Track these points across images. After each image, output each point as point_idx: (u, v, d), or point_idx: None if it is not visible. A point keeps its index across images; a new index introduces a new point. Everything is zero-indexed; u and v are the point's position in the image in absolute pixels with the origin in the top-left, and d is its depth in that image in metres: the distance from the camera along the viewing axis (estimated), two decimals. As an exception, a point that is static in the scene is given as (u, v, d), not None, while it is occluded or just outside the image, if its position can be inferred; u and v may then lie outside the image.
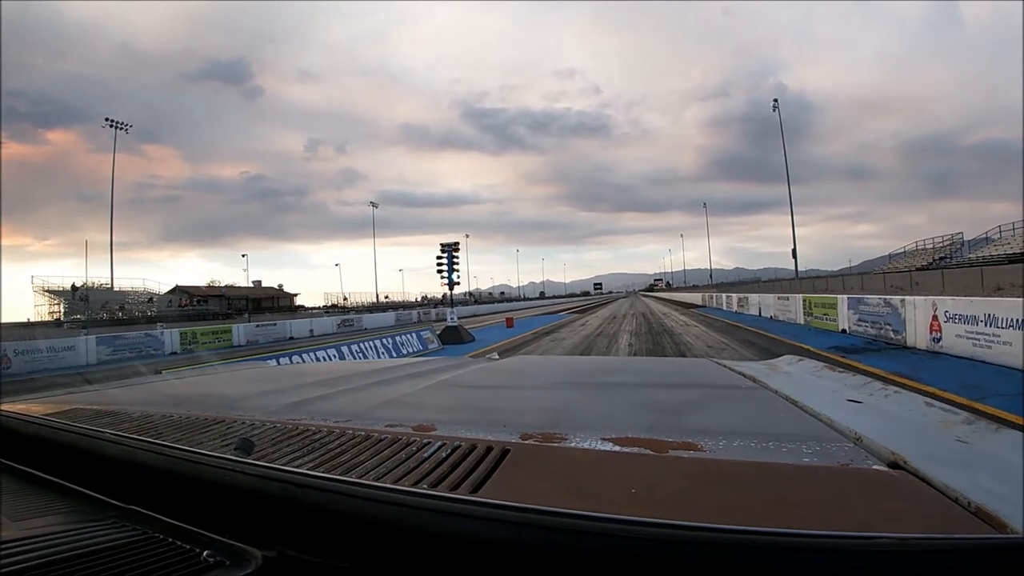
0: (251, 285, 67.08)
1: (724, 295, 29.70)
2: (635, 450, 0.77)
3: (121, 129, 49.37)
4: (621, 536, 0.44)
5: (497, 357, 2.70)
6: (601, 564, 0.42)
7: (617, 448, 0.78)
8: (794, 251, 40.67)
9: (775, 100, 46.36)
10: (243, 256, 77.74)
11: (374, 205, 75.46)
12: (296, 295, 70.85)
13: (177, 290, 55.39)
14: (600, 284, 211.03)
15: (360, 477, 0.67)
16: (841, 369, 1.43)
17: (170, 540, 0.56)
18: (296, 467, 0.70)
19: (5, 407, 1.03)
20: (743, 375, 1.45)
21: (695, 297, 44.36)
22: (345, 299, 70.80)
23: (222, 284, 62.80)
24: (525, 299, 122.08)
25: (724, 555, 0.42)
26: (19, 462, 0.83)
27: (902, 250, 41.70)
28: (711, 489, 0.63)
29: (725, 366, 1.67)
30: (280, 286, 72.68)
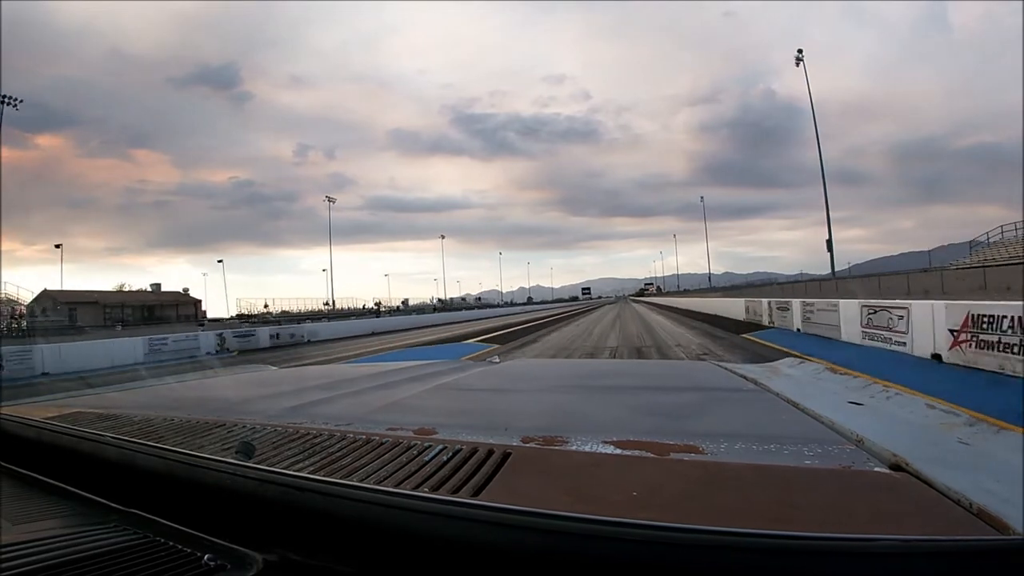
0: (149, 290, 54.82)
1: (843, 303, 11.25)
2: (636, 453, 0.77)
3: (10, 105, 40.65)
4: (623, 539, 0.44)
5: (498, 360, 2.70)
6: (603, 567, 0.42)
7: (618, 451, 0.78)
8: (829, 243, 29.50)
9: (799, 51, 32.12)
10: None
11: (330, 199, 62.77)
12: (199, 301, 56.18)
13: (44, 296, 43.24)
14: (588, 289, 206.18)
15: (361, 481, 0.66)
16: (842, 372, 1.43)
17: (171, 544, 0.56)
18: (297, 471, 0.70)
19: (6, 411, 1.03)
20: (744, 378, 1.45)
21: (707, 305, 29.28)
22: (266, 307, 55.19)
23: (131, 288, 53.19)
24: (513, 304, 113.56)
25: (726, 558, 0.42)
26: (20, 466, 0.83)
27: (985, 238, 30.98)
28: (713, 492, 0.63)
29: (727, 369, 1.67)
30: (185, 290, 58.54)
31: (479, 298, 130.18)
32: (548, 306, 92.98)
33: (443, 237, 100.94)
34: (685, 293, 74.01)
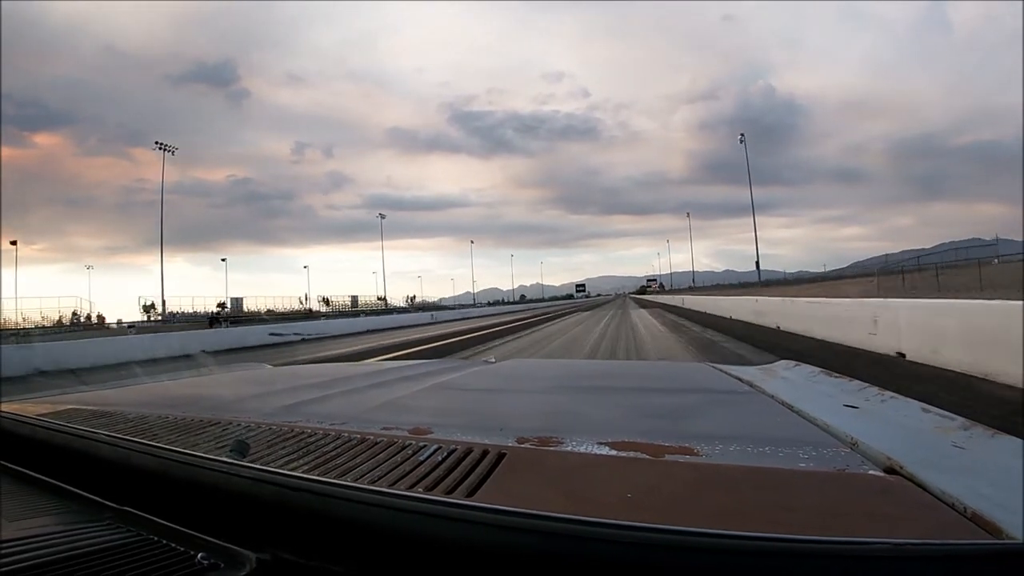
0: None
1: None
2: (632, 454, 0.77)
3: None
4: (617, 541, 0.43)
5: (493, 360, 2.70)
6: (598, 569, 0.42)
7: (613, 452, 0.78)
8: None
9: None
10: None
11: (163, 146, 50.23)
12: None
13: None
14: (583, 286, 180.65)
15: (355, 480, 0.66)
16: (837, 375, 1.43)
17: (165, 542, 0.56)
18: (291, 470, 0.69)
19: (1, 407, 1.03)
20: (740, 380, 1.45)
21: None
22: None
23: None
24: (500, 303, 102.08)
25: (721, 561, 0.42)
26: (15, 463, 0.82)
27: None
28: (707, 494, 0.63)
29: (722, 371, 1.67)
30: None
31: (413, 298, 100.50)
32: (530, 306, 75.06)
33: (382, 217, 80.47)
34: (692, 290, 62.62)
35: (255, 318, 49.55)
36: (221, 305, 58.49)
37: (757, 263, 51.12)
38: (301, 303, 70.80)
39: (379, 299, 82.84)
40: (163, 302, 48.40)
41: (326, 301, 74.16)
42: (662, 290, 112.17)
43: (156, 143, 53.27)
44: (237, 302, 63.20)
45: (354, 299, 79.14)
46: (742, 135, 44.58)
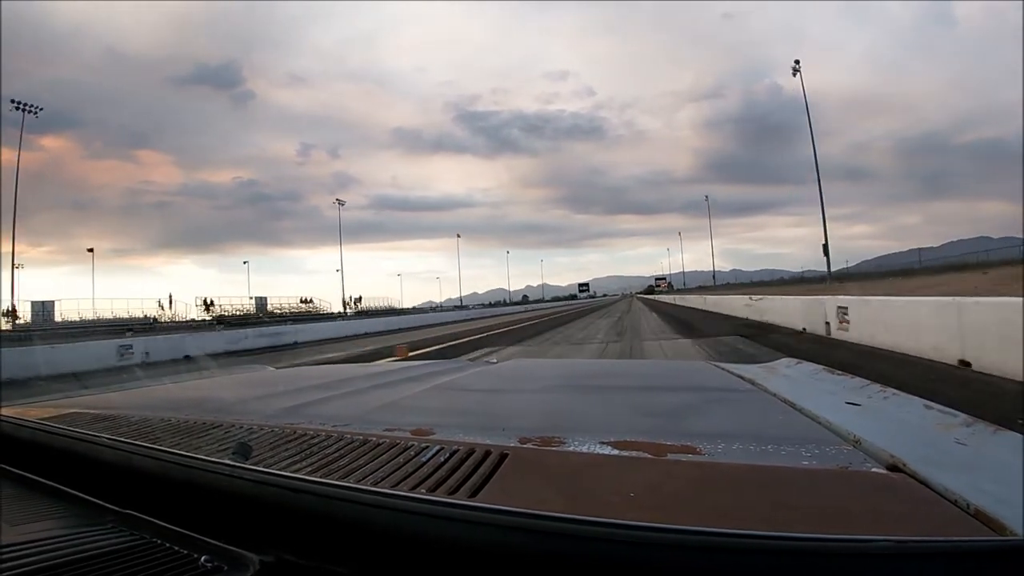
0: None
1: None
2: (634, 454, 0.77)
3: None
4: (620, 541, 0.43)
5: (495, 360, 2.71)
6: (600, 569, 0.42)
7: (616, 452, 0.78)
8: None
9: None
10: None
11: (24, 108, 40.87)
12: None
13: None
14: (586, 286, 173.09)
15: (358, 482, 0.66)
16: (840, 372, 1.43)
17: (168, 545, 0.56)
18: (294, 472, 0.69)
19: (2, 411, 1.03)
20: (742, 378, 1.45)
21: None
22: None
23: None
24: (507, 303, 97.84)
25: (724, 559, 0.42)
26: (17, 466, 0.82)
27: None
28: (710, 492, 0.63)
29: (724, 369, 1.67)
30: None
31: (358, 300, 75.83)
32: (526, 308, 71.11)
33: (340, 203, 67.56)
34: (701, 289, 57.47)
35: (51, 331, 34.11)
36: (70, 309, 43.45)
37: (825, 245, 34.80)
38: (161, 307, 52.54)
39: (302, 302, 67.46)
40: (12, 309, 35.91)
41: (207, 305, 55.58)
42: (671, 289, 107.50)
43: (12, 101, 41.81)
44: (43, 307, 44.18)
45: (260, 301, 61.17)
46: (796, 62, 36.25)
